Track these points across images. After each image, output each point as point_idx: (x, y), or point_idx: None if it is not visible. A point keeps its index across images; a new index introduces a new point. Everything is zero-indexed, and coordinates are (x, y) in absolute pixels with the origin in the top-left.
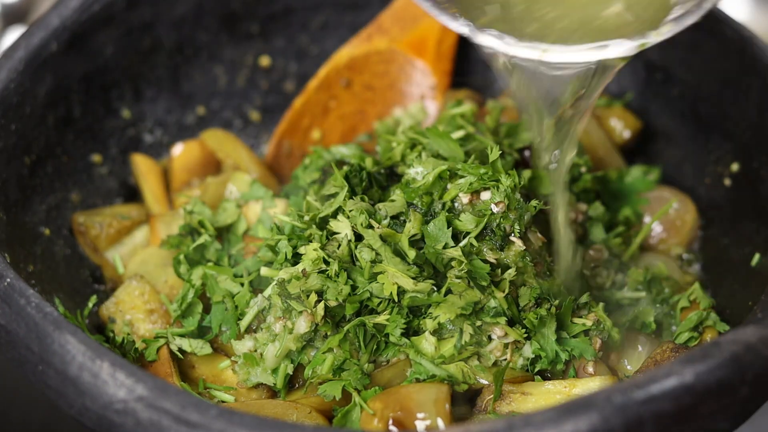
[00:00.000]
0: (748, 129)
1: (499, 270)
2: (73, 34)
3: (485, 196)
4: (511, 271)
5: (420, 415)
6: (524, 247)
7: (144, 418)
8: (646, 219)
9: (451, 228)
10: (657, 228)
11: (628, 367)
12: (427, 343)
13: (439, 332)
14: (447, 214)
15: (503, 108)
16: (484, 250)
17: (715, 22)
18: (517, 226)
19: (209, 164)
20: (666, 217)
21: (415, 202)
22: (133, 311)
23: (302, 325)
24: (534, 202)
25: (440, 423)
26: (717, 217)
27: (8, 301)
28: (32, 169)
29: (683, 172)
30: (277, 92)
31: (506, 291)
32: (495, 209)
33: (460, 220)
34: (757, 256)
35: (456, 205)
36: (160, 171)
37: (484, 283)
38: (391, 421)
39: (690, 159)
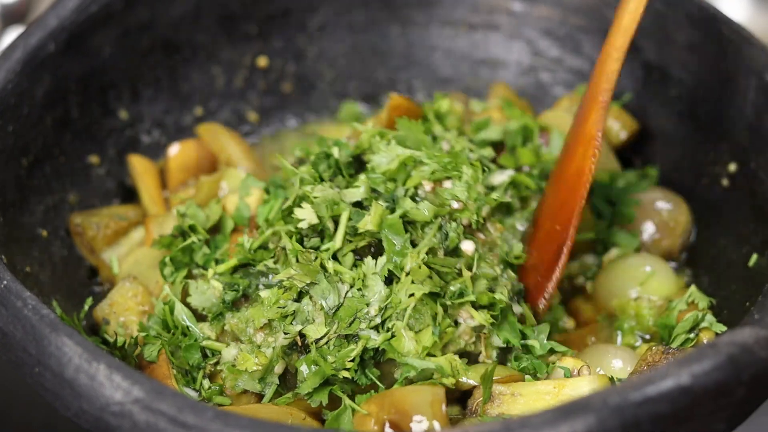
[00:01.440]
0: (746, 129)
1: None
2: (71, 34)
3: (447, 185)
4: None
5: (416, 418)
6: (473, 250)
7: (141, 420)
8: (639, 220)
9: (408, 234)
10: (650, 229)
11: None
12: (406, 339)
13: (410, 325)
14: (409, 203)
15: (485, 108)
16: (439, 253)
17: (713, 22)
18: (475, 217)
19: (206, 164)
20: (659, 218)
21: (379, 188)
22: (126, 313)
23: (282, 339)
24: (494, 195)
25: (436, 425)
26: (714, 217)
27: (5, 303)
28: (30, 170)
29: (681, 173)
30: (275, 93)
31: (472, 271)
32: (455, 205)
33: (418, 209)
34: (754, 257)
35: (419, 192)
36: (157, 171)
37: (447, 270)
38: (387, 424)
39: (687, 159)
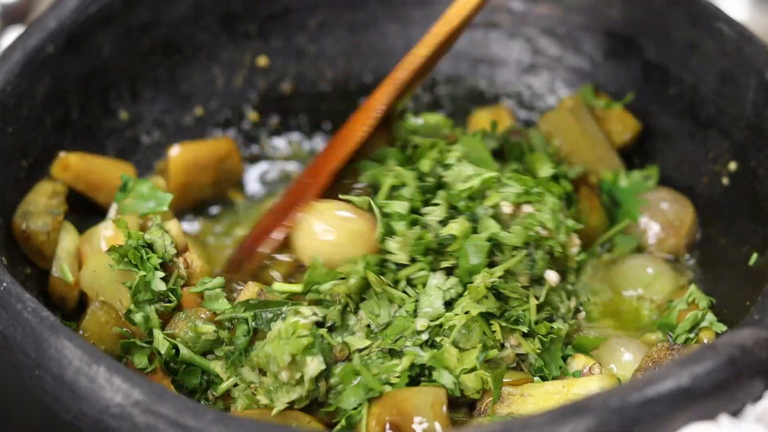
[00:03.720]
0: (746, 128)
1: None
2: (71, 35)
3: (527, 209)
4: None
5: (417, 419)
6: (557, 281)
7: (140, 422)
8: (644, 220)
9: (489, 257)
10: (655, 228)
11: (615, 369)
12: (448, 354)
13: (457, 341)
14: (493, 224)
15: (494, 122)
16: (519, 280)
17: (714, 20)
18: (559, 248)
19: (207, 166)
20: (664, 217)
21: (458, 206)
22: (101, 342)
23: (313, 369)
24: (571, 223)
25: (437, 427)
26: (715, 216)
27: (5, 306)
28: (30, 171)
29: (681, 171)
30: (275, 92)
31: (535, 316)
32: (542, 232)
33: (509, 232)
34: (754, 256)
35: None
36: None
37: (515, 295)
38: (388, 425)
39: (688, 158)
